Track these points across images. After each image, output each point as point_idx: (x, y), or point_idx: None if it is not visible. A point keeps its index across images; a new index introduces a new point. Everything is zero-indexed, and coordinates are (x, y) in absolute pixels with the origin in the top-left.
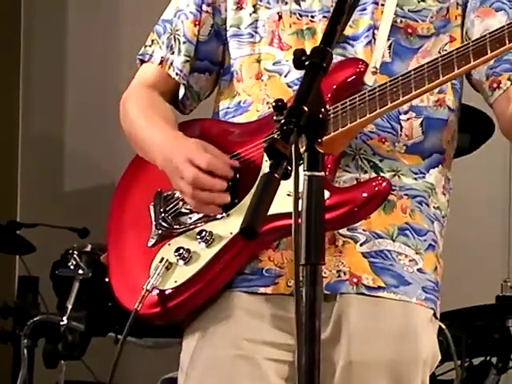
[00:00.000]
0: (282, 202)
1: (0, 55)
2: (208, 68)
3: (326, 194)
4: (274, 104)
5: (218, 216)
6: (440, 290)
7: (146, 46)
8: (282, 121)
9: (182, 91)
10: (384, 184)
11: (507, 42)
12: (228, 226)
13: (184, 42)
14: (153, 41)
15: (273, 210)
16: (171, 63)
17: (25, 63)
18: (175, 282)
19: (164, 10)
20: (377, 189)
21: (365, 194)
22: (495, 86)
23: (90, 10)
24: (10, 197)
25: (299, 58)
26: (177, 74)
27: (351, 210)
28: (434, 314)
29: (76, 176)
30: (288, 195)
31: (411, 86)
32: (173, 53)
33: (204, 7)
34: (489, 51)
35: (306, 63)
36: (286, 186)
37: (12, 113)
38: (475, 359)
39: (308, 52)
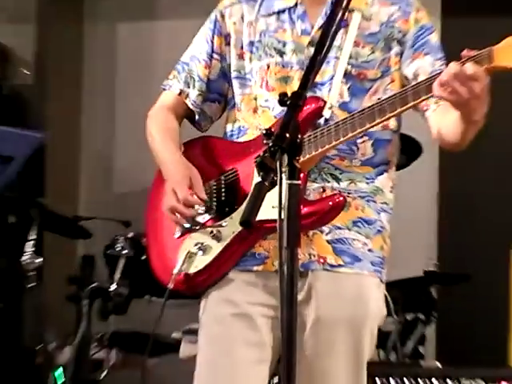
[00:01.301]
0: (269, 211)
1: (66, 90)
2: (217, 99)
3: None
4: (264, 132)
5: (224, 224)
6: (386, 262)
7: (168, 79)
8: (270, 144)
9: (197, 116)
10: (341, 198)
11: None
12: (232, 227)
13: (198, 81)
14: (174, 76)
15: (262, 217)
16: (187, 95)
17: (86, 95)
18: (196, 267)
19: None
20: (337, 200)
21: (330, 204)
22: (426, 108)
23: (136, 64)
24: (74, 198)
25: (282, 99)
26: (192, 104)
27: (319, 219)
28: (381, 280)
29: (121, 182)
30: (273, 207)
31: (364, 121)
32: (189, 87)
33: (214, 55)
34: (423, 95)
35: (288, 102)
36: (272, 200)
37: (76, 134)
38: (408, 315)
39: (289, 94)
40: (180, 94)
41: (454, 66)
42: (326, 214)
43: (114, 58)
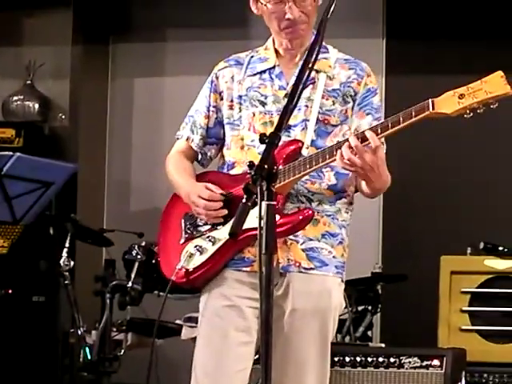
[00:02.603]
0: (253, 221)
1: (94, 130)
2: (215, 142)
3: (278, 217)
4: (248, 164)
5: (219, 227)
6: (345, 266)
7: (180, 130)
8: (252, 173)
9: (199, 156)
10: (310, 212)
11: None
12: (224, 233)
13: (199, 128)
14: (183, 127)
15: (248, 225)
16: (192, 140)
17: (109, 134)
18: (194, 264)
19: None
20: (306, 214)
21: (300, 217)
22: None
23: (149, 111)
24: (99, 214)
25: (262, 138)
26: (195, 146)
27: (292, 227)
28: (342, 280)
29: (136, 202)
30: (256, 217)
31: (326, 157)
32: (193, 134)
33: (211, 108)
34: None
35: (266, 141)
36: (255, 212)
37: (101, 164)
38: (359, 307)
39: (267, 135)
40: (187, 139)
41: (352, 140)
42: (298, 224)
43: (131, 105)
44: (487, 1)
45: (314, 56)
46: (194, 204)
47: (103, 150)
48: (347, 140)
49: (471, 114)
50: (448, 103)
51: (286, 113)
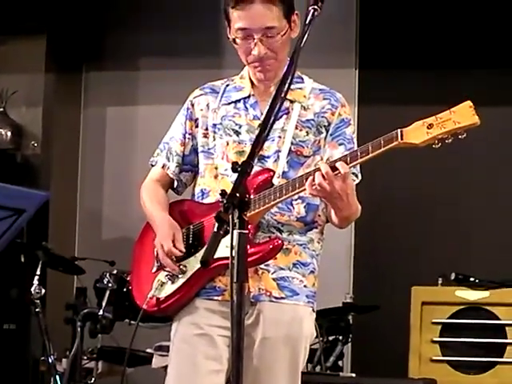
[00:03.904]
0: (225, 250)
1: (66, 158)
2: (190, 169)
3: (248, 246)
4: (220, 192)
5: (191, 256)
6: (316, 296)
7: (154, 156)
8: (224, 201)
9: (175, 183)
10: (279, 242)
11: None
12: (196, 262)
13: (175, 155)
14: (158, 153)
15: (220, 255)
16: (168, 167)
17: (81, 162)
18: (165, 293)
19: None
20: (276, 244)
21: (270, 247)
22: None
23: (121, 139)
24: (71, 242)
25: (234, 167)
26: (171, 174)
27: (261, 256)
28: (313, 310)
29: (108, 231)
30: (226, 247)
31: (296, 186)
32: (169, 161)
33: (186, 135)
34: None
35: (238, 169)
36: (227, 242)
37: (73, 192)
38: (330, 337)
39: (239, 163)
40: (163, 167)
41: (323, 166)
42: (268, 253)
43: (103, 133)
44: (459, 31)
45: (287, 85)
46: (156, 245)
47: (75, 178)
48: (318, 169)
49: (440, 144)
50: (416, 133)
51: (259, 142)
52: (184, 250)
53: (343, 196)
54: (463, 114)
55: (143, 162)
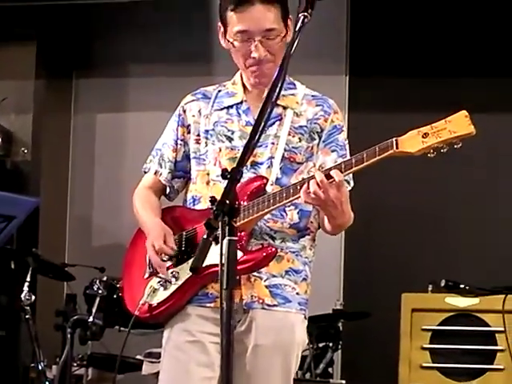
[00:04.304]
0: (215, 258)
1: (56, 165)
2: (183, 176)
3: (241, 254)
4: (209, 199)
5: (183, 263)
6: (309, 303)
7: (146, 163)
8: (214, 208)
9: (168, 190)
10: (273, 250)
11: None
12: (188, 269)
13: (167, 162)
14: (150, 160)
15: (211, 262)
16: (161, 174)
17: (71, 168)
18: (157, 299)
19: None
20: (269, 252)
21: (264, 254)
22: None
23: (111, 145)
24: (61, 249)
25: (224, 173)
26: (164, 180)
27: (254, 264)
28: (305, 317)
29: (98, 237)
30: (218, 254)
31: (290, 193)
32: (161, 167)
33: (179, 142)
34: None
35: (228, 176)
36: (216, 250)
37: (63, 198)
38: (320, 343)
39: (229, 170)
40: (155, 173)
41: (318, 175)
42: (261, 261)
43: (93, 140)
44: (447, 39)
45: (277, 92)
46: (147, 247)
47: (65, 184)
48: (313, 176)
49: (435, 154)
50: (412, 142)
51: (248, 148)
52: (175, 248)
53: (337, 204)
54: (459, 124)
55: (133, 169)
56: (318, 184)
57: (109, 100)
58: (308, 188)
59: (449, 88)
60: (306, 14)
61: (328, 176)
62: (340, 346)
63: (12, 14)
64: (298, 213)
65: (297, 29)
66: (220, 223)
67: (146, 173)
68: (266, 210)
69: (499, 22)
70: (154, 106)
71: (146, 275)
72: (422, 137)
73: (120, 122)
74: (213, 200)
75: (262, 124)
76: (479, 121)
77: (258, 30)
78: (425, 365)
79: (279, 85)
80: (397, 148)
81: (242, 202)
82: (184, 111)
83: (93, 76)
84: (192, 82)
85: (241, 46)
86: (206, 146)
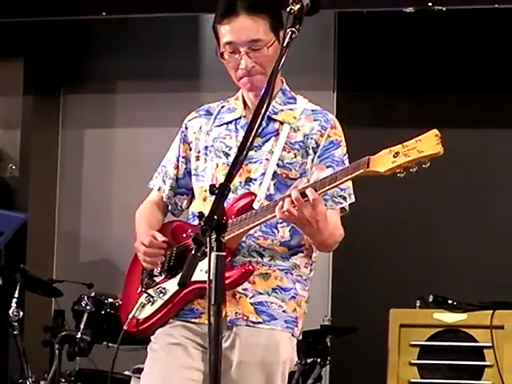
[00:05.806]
0: (200, 275)
1: (44, 181)
2: (185, 192)
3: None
4: (197, 214)
5: (173, 279)
6: (300, 320)
7: (153, 179)
8: (202, 223)
9: (170, 206)
10: (250, 267)
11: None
12: (174, 284)
13: (169, 179)
14: (156, 176)
15: (197, 278)
16: (163, 190)
17: (59, 184)
18: (144, 314)
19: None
20: (246, 269)
21: (242, 271)
22: None
23: (99, 161)
24: (49, 265)
25: (211, 189)
26: (165, 197)
27: (234, 281)
28: (293, 335)
29: (86, 253)
30: (200, 270)
31: (271, 210)
32: (164, 184)
33: (180, 159)
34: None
35: (216, 192)
36: (203, 266)
37: (51, 214)
38: (308, 359)
39: (217, 186)
40: (159, 189)
41: (293, 193)
42: (240, 277)
43: (81, 156)
44: (436, 55)
45: (265, 106)
46: (136, 250)
47: (53, 200)
48: (289, 195)
49: (404, 173)
50: (382, 161)
51: (236, 164)
52: (166, 239)
53: (313, 223)
54: (427, 143)
55: (121, 185)
56: (292, 202)
57: (97, 116)
58: (282, 206)
59: (436, 104)
60: (293, 29)
61: (304, 194)
62: (328, 362)
63: None
64: (289, 230)
65: (284, 44)
66: (208, 239)
67: (152, 189)
68: (247, 227)
69: (485, 38)
70: (142, 122)
71: (139, 290)
72: (393, 156)
73: (108, 137)
74: (201, 215)
75: (250, 140)
76: (466, 135)
77: (242, 40)
78: (413, 380)
79: (267, 100)
80: (367, 167)
81: (230, 218)
82: (186, 128)
83: (81, 92)
84: (179, 98)
85: (230, 58)
86: (205, 162)
